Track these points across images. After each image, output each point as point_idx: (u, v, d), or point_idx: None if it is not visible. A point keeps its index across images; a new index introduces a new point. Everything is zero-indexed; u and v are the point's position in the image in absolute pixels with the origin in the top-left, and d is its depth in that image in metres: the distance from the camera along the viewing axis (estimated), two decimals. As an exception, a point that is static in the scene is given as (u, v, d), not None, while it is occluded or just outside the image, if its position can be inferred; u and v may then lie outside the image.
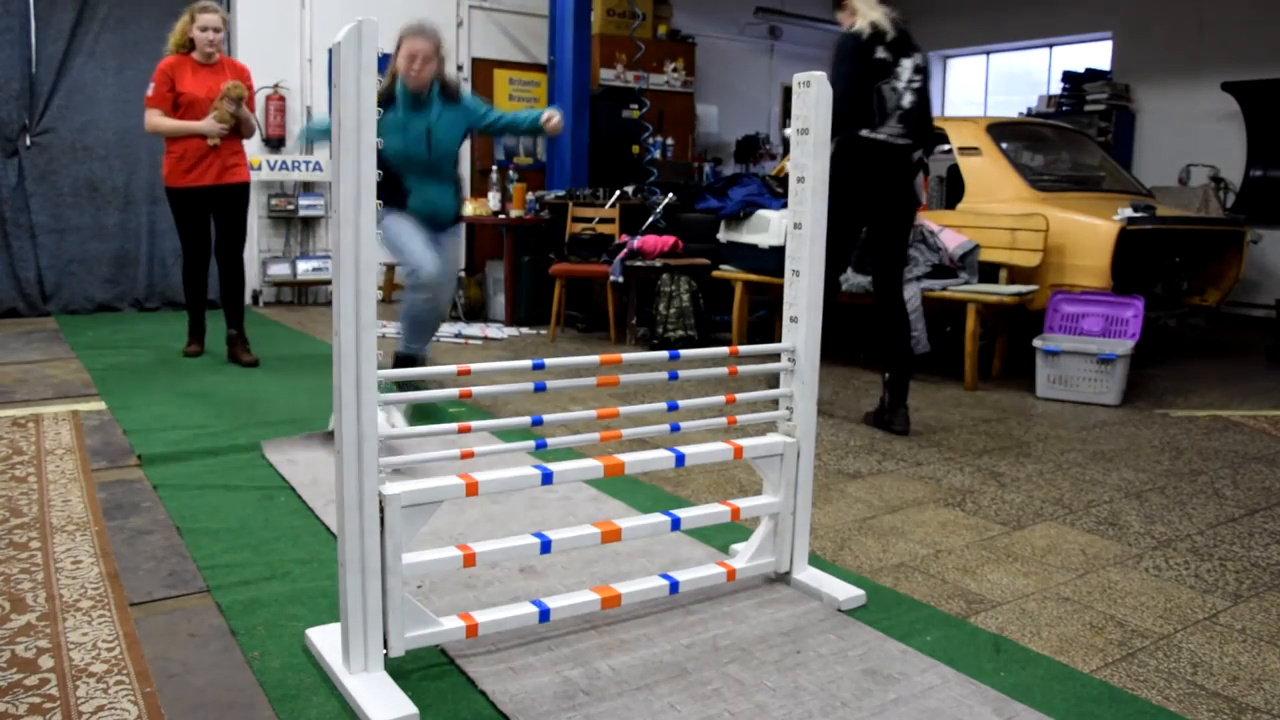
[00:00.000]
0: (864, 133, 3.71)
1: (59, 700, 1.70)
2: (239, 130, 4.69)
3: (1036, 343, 4.60)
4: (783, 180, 6.09)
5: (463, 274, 7.25)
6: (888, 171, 3.77)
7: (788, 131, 4.97)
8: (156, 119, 4.63)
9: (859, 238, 3.99)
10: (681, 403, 2.17)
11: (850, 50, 3.69)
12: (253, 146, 6.42)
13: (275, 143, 7.17)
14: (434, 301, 3.83)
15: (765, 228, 5.44)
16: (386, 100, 3.74)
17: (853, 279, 4.92)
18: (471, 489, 1.85)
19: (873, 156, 3.72)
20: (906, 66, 3.73)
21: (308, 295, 7.59)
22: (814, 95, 2.17)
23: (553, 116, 3.90)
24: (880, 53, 3.69)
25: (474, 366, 1.92)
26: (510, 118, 4.04)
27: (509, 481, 1.92)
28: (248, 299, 5.03)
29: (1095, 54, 9.07)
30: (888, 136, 3.73)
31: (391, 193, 3.80)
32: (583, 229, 6.34)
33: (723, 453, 2.18)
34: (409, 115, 3.75)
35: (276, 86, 7.14)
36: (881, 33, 3.69)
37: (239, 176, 4.75)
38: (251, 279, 6.73)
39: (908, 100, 3.73)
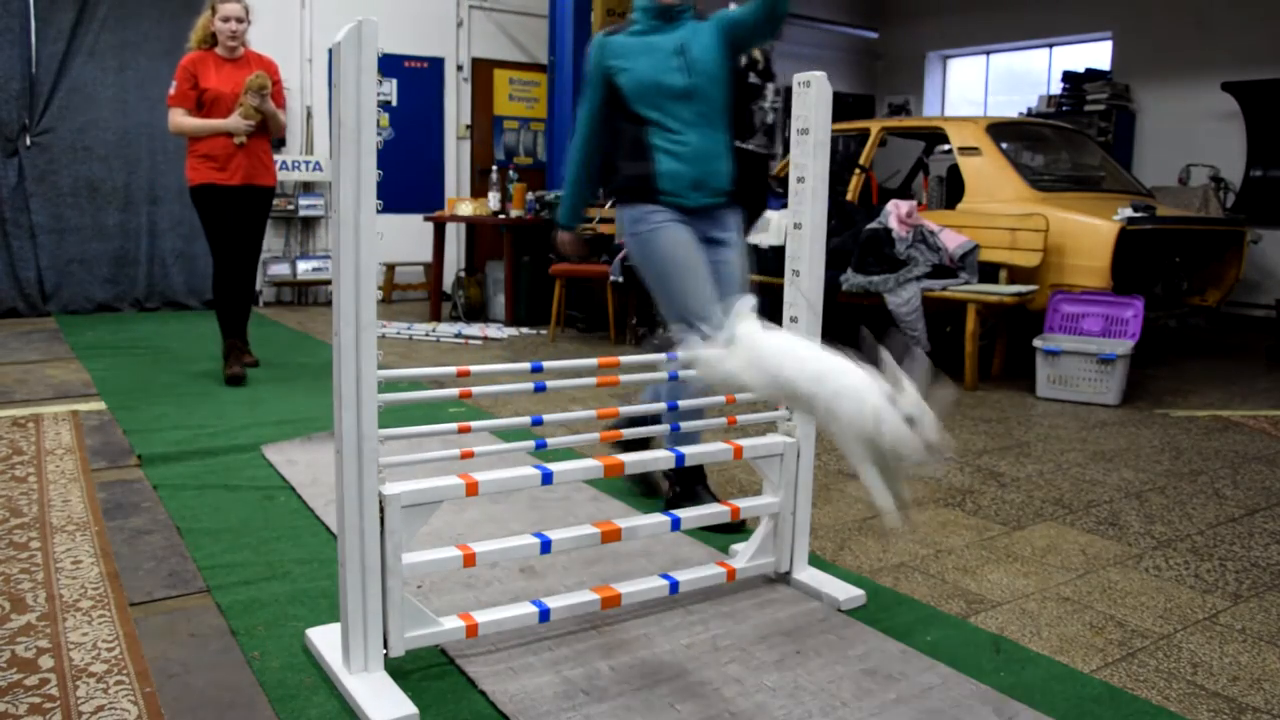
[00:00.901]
0: (736, 143, 4.51)
1: (59, 700, 1.70)
2: (266, 127, 4.42)
3: (1036, 343, 4.60)
4: (783, 180, 6.11)
5: (461, 274, 7.27)
6: (752, 175, 4.59)
7: None
8: (180, 119, 4.32)
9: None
10: (681, 403, 2.17)
11: None
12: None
13: (275, 143, 7.17)
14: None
15: (765, 228, 5.44)
16: (619, 20, 2.76)
17: (853, 279, 4.92)
18: (471, 489, 1.85)
19: (747, 163, 4.45)
20: (770, 90, 4.49)
21: (308, 295, 7.59)
22: (814, 95, 2.17)
23: None
24: (752, 78, 4.38)
25: (474, 367, 1.92)
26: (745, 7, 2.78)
27: (509, 481, 1.92)
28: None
29: (1095, 54, 9.07)
30: (755, 147, 4.46)
31: (630, 160, 2.70)
32: (583, 229, 6.33)
33: (723, 453, 2.18)
34: (653, 34, 2.72)
35: (276, 86, 7.14)
36: (754, 61, 4.43)
37: (267, 180, 4.49)
38: (251, 279, 6.72)
39: (771, 118, 4.49)
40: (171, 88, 4.34)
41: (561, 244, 3.18)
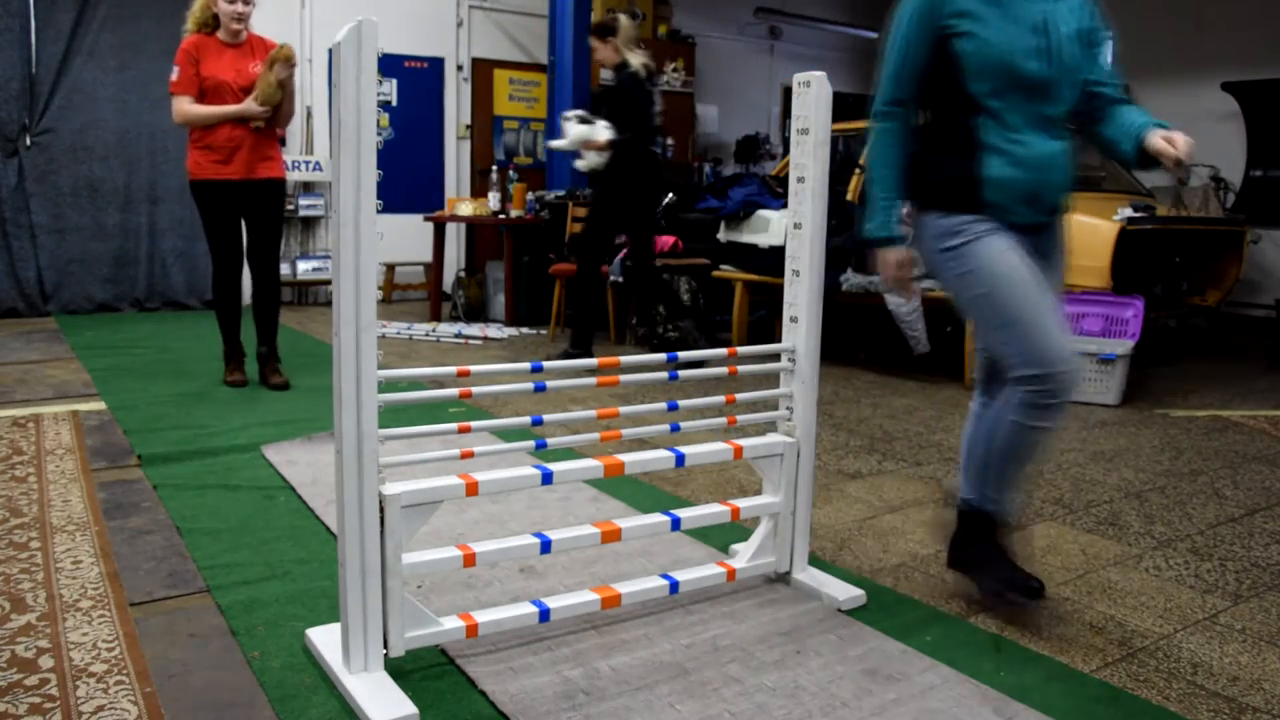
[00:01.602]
0: (650, 148, 5.22)
1: (59, 700, 1.70)
2: (276, 117, 4.11)
3: (1036, 343, 4.59)
4: (783, 180, 6.11)
5: (461, 274, 7.27)
6: (660, 174, 5.39)
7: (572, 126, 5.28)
8: (186, 106, 3.95)
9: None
10: (681, 403, 2.17)
11: (639, 87, 5.05)
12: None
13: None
14: (1057, 420, 2.03)
15: (765, 228, 5.46)
16: None
17: (853, 279, 4.92)
18: (471, 489, 1.85)
19: (653, 164, 5.19)
20: (657, 97, 5.25)
21: (308, 295, 7.60)
22: (814, 95, 2.17)
23: (1170, 145, 2.04)
24: (648, 86, 5.07)
25: (474, 367, 1.92)
26: (1119, 110, 2.13)
27: (509, 481, 1.92)
28: (245, 299, 4.42)
29: (1095, 54, 9.06)
30: (656, 149, 5.33)
31: (948, 156, 2.10)
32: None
33: (723, 453, 2.18)
34: None
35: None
36: (651, 71, 5.08)
37: (273, 171, 4.17)
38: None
39: (658, 122, 5.25)
40: (173, 73, 4.00)
41: (886, 265, 2.19)
